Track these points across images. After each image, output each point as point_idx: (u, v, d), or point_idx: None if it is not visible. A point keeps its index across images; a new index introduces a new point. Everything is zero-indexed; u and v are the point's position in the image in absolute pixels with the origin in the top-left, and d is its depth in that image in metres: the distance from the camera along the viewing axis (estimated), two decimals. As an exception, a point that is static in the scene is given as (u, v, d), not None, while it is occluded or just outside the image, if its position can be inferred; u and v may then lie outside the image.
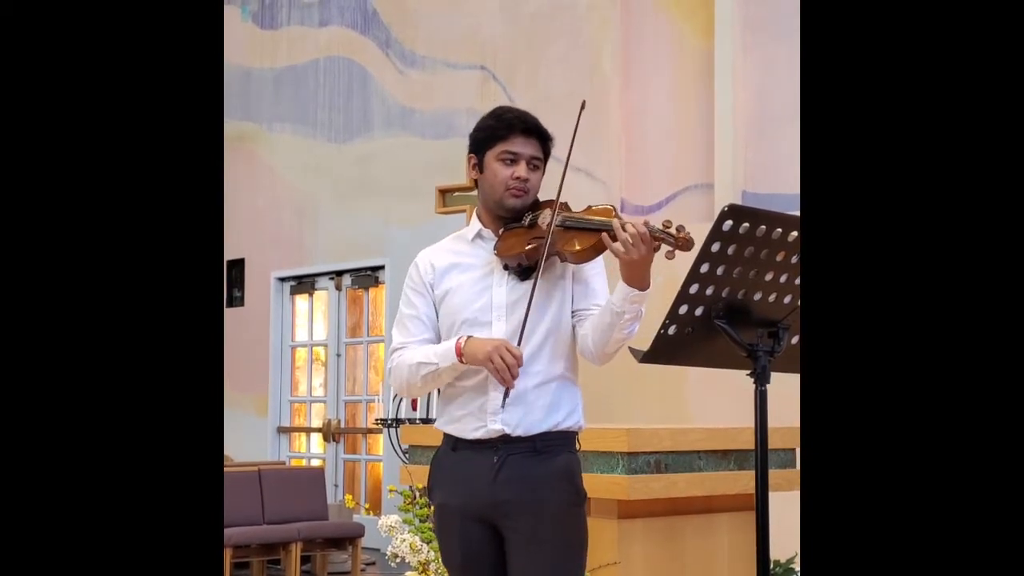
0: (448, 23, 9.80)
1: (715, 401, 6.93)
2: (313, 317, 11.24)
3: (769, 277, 2.54)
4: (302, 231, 11.02)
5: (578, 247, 2.72)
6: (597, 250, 2.71)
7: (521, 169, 2.82)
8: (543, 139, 2.87)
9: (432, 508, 2.97)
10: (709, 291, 2.51)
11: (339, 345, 10.89)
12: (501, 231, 2.86)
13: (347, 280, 10.81)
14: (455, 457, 2.85)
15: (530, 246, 2.77)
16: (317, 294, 11.16)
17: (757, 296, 2.56)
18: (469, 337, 2.75)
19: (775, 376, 2.60)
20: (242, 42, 11.55)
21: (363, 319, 10.81)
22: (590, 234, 2.70)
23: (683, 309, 2.52)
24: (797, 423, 2.14)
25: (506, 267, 2.83)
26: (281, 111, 11.32)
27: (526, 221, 2.83)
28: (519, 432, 2.77)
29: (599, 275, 2.87)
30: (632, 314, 2.67)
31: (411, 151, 10.00)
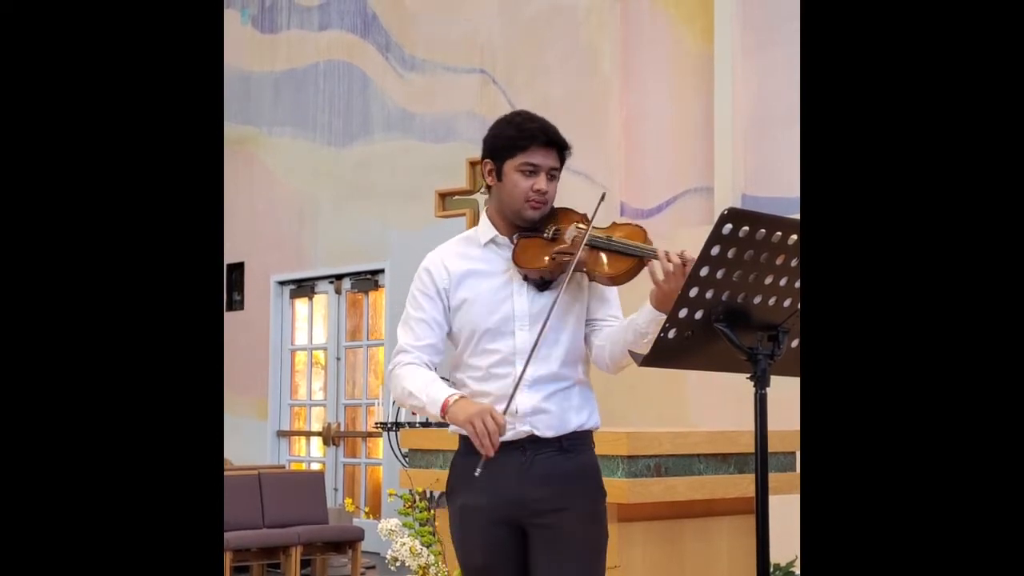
0: (447, 26, 9.81)
1: (715, 405, 6.93)
2: (313, 321, 11.24)
3: (769, 280, 2.54)
4: (302, 235, 11.02)
5: (615, 270, 2.76)
6: (632, 275, 2.76)
7: (541, 182, 2.82)
8: (561, 149, 2.87)
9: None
10: (709, 295, 2.50)
11: (339, 349, 10.89)
12: (516, 237, 2.85)
13: (347, 284, 10.81)
14: (478, 459, 2.84)
15: (554, 262, 2.79)
16: (317, 298, 11.16)
17: (757, 299, 2.55)
18: (461, 397, 2.76)
19: (775, 379, 2.60)
20: (242, 46, 11.56)
21: (363, 323, 10.81)
22: (628, 259, 2.75)
23: (683, 312, 2.52)
24: (797, 426, 2.14)
25: (525, 277, 2.83)
26: (281, 115, 11.32)
27: (547, 233, 2.84)
28: (548, 434, 2.80)
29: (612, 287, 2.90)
30: (654, 334, 2.70)
31: (411, 154, 10.01)
